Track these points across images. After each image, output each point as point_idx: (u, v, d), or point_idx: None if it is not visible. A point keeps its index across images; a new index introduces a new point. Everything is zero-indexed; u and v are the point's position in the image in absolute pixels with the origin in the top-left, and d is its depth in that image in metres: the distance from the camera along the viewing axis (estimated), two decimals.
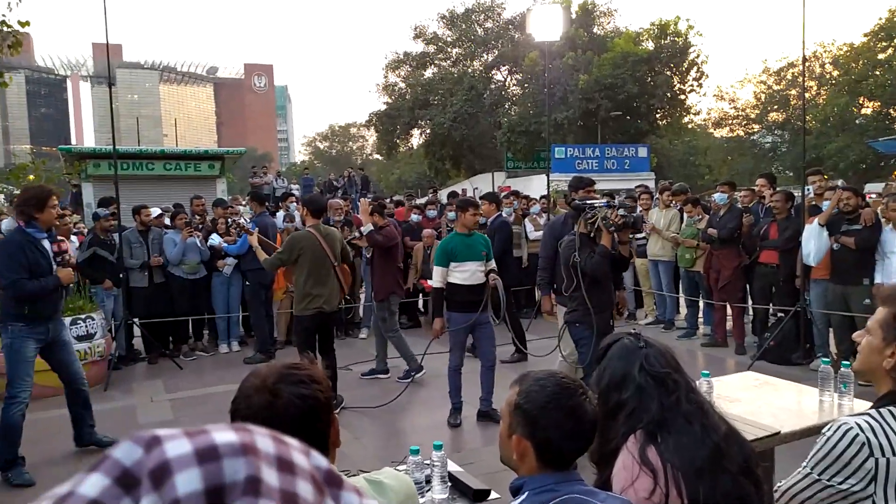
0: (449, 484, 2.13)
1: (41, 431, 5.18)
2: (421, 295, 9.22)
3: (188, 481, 0.40)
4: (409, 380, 6.04)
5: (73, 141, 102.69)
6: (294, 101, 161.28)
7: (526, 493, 1.45)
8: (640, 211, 7.80)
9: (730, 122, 30.45)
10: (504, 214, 8.73)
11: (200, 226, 7.89)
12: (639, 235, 7.24)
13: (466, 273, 4.95)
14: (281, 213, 10.28)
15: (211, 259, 7.56)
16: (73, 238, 7.42)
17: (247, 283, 7.50)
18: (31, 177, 6.67)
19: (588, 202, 4.34)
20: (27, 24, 6.98)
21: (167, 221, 7.91)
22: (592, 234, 4.22)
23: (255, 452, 0.43)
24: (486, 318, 5.08)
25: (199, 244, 7.44)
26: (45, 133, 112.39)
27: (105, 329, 6.59)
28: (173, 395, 6.13)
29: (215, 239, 7.47)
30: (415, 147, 37.00)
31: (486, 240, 5.23)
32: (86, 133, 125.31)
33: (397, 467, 2.26)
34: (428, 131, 31.93)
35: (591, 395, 1.53)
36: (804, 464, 1.70)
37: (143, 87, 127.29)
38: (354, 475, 2.02)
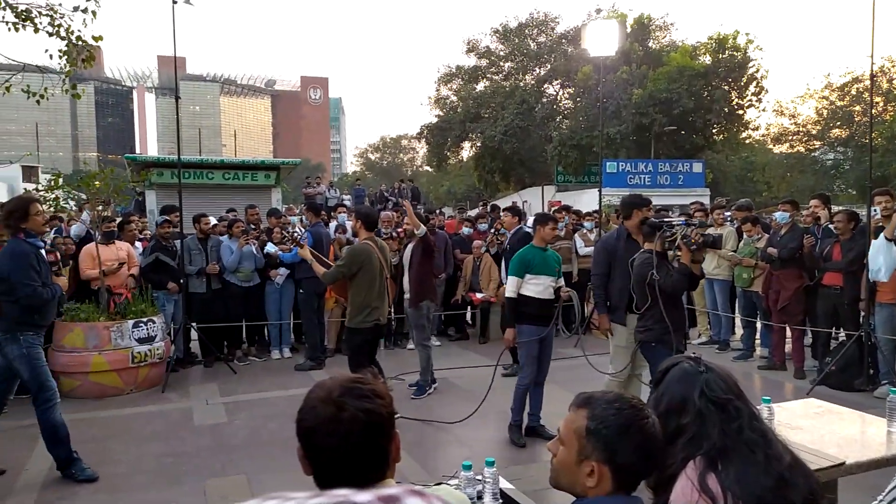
0: (500, 501, 2.12)
1: (100, 430, 5.39)
2: (469, 307, 9.23)
3: None
4: (424, 395, 6.16)
5: (138, 150, 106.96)
6: (347, 112, 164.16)
7: None
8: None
9: (790, 137, 29.47)
10: (527, 227, 8.74)
11: (257, 235, 8.09)
12: None
13: (540, 287, 4.92)
14: (333, 224, 10.47)
15: (265, 267, 7.75)
16: (138, 244, 7.73)
17: (300, 290, 7.65)
18: (98, 183, 6.95)
19: (665, 220, 4.42)
20: (100, 38, 7.33)
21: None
22: (666, 252, 4.25)
23: None
24: (552, 334, 5.08)
25: (254, 252, 7.65)
26: (111, 142, 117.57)
27: (165, 332, 6.82)
28: (227, 398, 6.28)
29: (271, 247, 7.66)
30: (465, 159, 37.15)
31: (559, 257, 5.26)
32: (149, 142, 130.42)
33: (448, 482, 2.26)
34: (478, 144, 32.02)
35: (654, 416, 1.51)
36: (880, 497, 1.63)
37: (204, 99, 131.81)
38: None
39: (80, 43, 7.21)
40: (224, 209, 9.99)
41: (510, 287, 4.96)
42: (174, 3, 7.23)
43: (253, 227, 8.29)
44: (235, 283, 7.64)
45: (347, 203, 16.88)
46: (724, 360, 7.35)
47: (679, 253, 4.27)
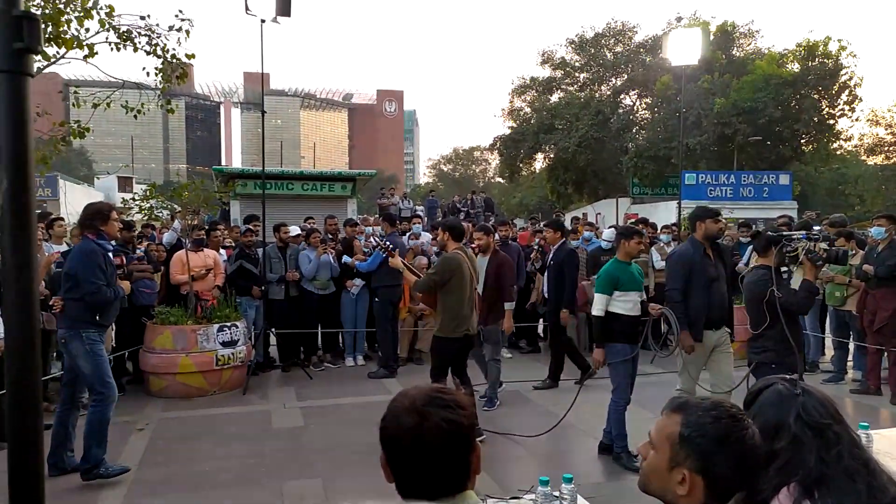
0: None
1: (188, 429, 5.65)
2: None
3: None
4: (495, 406, 6.15)
5: (223, 162, 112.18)
6: (421, 124, 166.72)
7: None
8: None
9: (886, 148, 27.73)
10: (604, 241, 8.62)
11: (334, 245, 8.29)
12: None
13: (630, 303, 4.78)
14: (407, 234, 10.62)
15: (341, 276, 7.95)
16: (223, 251, 8.09)
17: (376, 299, 7.78)
18: (186, 193, 7.33)
19: (784, 234, 4.22)
20: (193, 56, 7.77)
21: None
22: (779, 268, 4.09)
23: None
24: (637, 351, 4.90)
25: (331, 261, 7.86)
26: (199, 154, 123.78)
27: (246, 337, 7.09)
28: (304, 403, 6.46)
29: (348, 259, 7.86)
30: (537, 171, 36.90)
31: (642, 270, 5.15)
32: (234, 155, 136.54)
33: (525, 496, 2.25)
34: (552, 155, 31.74)
35: (754, 426, 1.43)
36: None
37: (285, 113, 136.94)
38: (483, 500, 2.03)
39: (174, 61, 7.67)
40: (303, 219, 10.31)
41: (598, 305, 4.78)
42: (262, 21, 7.57)
43: (331, 236, 8.52)
44: (312, 291, 7.86)
45: (420, 214, 17.10)
46: (813, 382, 6.91)
47: (793, 268, 4.13)
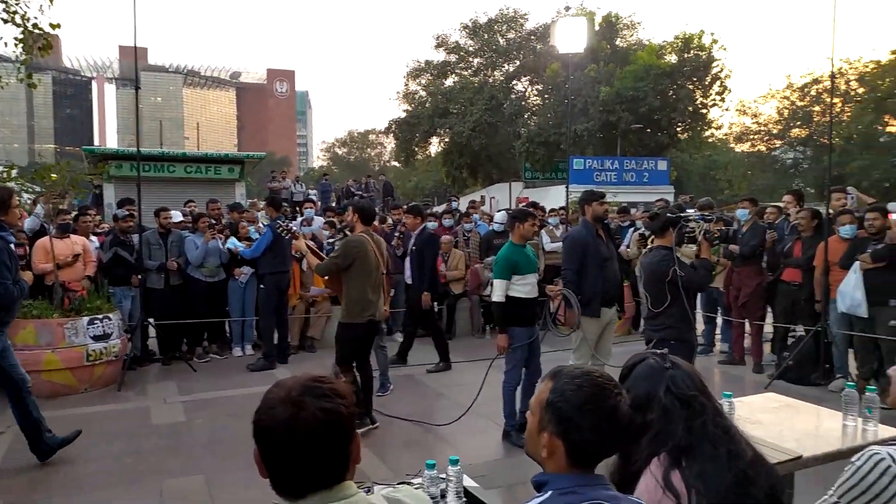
0: (464, 499, 2.10)
1: (55, 429, 5.21)
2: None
3: None
4: (388, 391, 6.15)
5: (96, 142, 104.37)
6: (314, 106, 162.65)
7: (549, 493, 1.41)
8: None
9: (751, 137, 30.17)
10: (429, 227, 8.67)
11: (220, 230, 7.92)
12: None
13: (528, 286, 4.78)
14: (299, 219, 10.33)
15: (229, 263, 7.61)
16: (94, 238, 7.50)
17: (261, 286, 7.50)
18: (54, 176, 6.73)
19: (681, 215, 4.33)
20: (58, 26, 7.09)
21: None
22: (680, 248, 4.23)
23: None
24: (537, 333, 4.99)
25: (220, 247, 7.51)
26: (69, 133, 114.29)
27: (121, 329, 6.63)
28: (186, 397, 6.14)
29: (233, 243, 7.51)
30: (433, 155, 37.10)
31: (534, 251, 5.21)
32: (108, 134, 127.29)
33: (412, 480, 2.23)
34: (447, 140, 32.01)
35: (625, 394, 1.47)
36: (831, 491, 1.66)
37: (166, 91, 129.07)
38: (369, 487, 1.99)
39: (36, 30, 6.97)
40: (183, 203, 9.76)
41: (498, 291, 4.73)
42: None
43: (214, 221, 8.11)
44: (200, 279, 7.47)
45: (313, 198, 16.70)
46: None
47: (691, 248, 4.26)
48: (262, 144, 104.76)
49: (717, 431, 1.61)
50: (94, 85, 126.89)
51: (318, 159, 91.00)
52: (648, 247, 4.51)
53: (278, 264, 7.19)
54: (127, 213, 7.38)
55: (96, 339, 6.20)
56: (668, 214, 4.46)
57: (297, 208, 12.51)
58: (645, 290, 4.38)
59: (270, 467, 1.23)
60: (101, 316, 6.28)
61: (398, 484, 2.27)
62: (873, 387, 3.04)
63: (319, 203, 16.31)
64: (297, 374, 1.30)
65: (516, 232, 4.87)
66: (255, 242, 7.35)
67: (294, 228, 6.00)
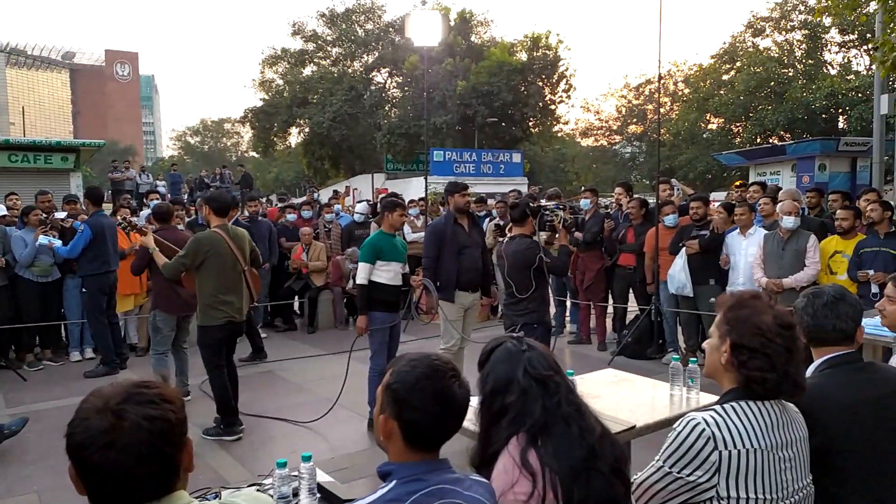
0: (318, 496, 2.08)
1: None
2: (297, 297, 8.99)
3: None
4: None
5: None
6: (162, 92, 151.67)
7: (394, 482, 1.43)
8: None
9: (595, 132, 32.36)
10: (327, 216, 9.05)
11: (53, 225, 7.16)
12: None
13: (391, 273, 4.89)
14: (144, 212, 9.63)
15: (65, 261, 6.89)
16: None
17: (83, 290, 6.85)
18: None
19: (542, 204, 4.79)
20: None
21: None
22: (537, 235, 4.57)
23: None
24: (398, 319, 5.10)
25: (53, 244, 6.76)
26: None
27: None
28: (14, 409, 5.54)
29: (44, 239, 6.72)
30: (293, 146, 36.06)
31: (405, 243, 5.29)
32: None
33: (263, 481, 2.18)
34: (307, 130, 31.25)
35: (463, 378, 1.52)
36: (657, 457, 1.78)
37: None
38: (216, 494, 1.93)
39: None
40: (4, 195, 8.73)
41: (361, 274, 4.85)
42: None
43: (45, 215, 7.33)
44: (31, 279, 6.73)
45: (161, 189, 15.64)
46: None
47: (544, 235, 4.62)
48: (101, 131, 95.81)
49: (570, 409, 1.67)
50: None
51: (167, 148, 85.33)
52: (509, 235, 4.80)
53: (100, 265, 6.57)
54: None
55: None
56: (532, 205, 4.78)
57: (143, 200, 11.66)
58: (508, 277, 4.55)
59: (88, 484, 1.14)
60: None
61: (248, 486, 2.22)
62: (695, 359, 3.39)
63: (168, 195, 15.30)
64: (118, 381, 1.21)
65: (385, 221, 5.00)
66: (74, 239, 6.66)
67: (137, 222, 5.54)
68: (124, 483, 1.12)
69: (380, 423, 1.48)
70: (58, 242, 6.75)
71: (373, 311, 4.87)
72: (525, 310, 4.50)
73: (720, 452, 1.68)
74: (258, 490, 1.98)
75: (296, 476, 2.09)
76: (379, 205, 9.61)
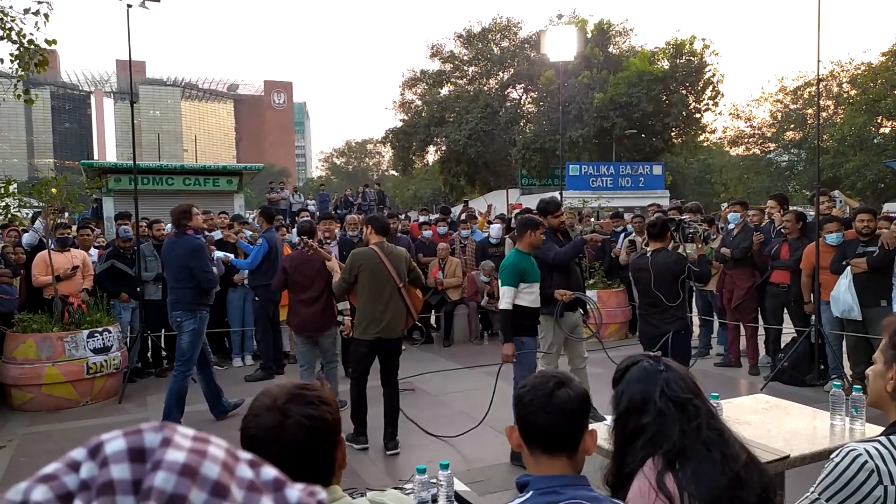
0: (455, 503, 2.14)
1: (55, 443, 5.26)
2: (433, 311, 9.24)
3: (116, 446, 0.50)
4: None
5: (96, 156, 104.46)
6: (312, 117, 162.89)
7: (531, 493, 1.45)
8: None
9: (746, 140, 30.24)
10: (464, 232, 9.21)
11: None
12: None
13: (533, 295, 4.69)
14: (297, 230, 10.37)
15: (228, 274, 7.63)
16: (93, 251, 7.55)
17: (255, 298, 7.51)
18: (54, 190, 6.78)
19: (680, 218, 5.07)
20: (54, 42, 7.15)
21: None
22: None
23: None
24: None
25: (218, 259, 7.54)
26: (68, 148, 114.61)
27: (121, 342, 6.67)
28: (186, 408, 6.15)
29: (220, 253, 7.47)
30: (430, 163, 37.21)
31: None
32: (108, 148, 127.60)
33: (404, 486, 2.28)
34: (443, 148, 32.13)
35: (573, 382, 1.61)
36: (812, 489, 1.66)
37: (165, 104, 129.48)
38: (362, 494, 2.04)
39: (32, 47, 7.03)
40: None
41: (506, 298, 4.58)
42: (129, 6, 7.11)
43: (208, 233, 8.13)
44: None
45: (311, 208, 16.77)
46: None
47: (682, 245, 4.80)
48: (260, 156, 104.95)
49: (711, 434, 1.61)
50: (93, 99, 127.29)
51: (316, 169, 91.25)
52: (647, 249, 4.81)
53: (272, 276, 7.19)
54: (130, 235, 7.40)
55: (96, 351, 6.25)
56: (667, 219, 4.86)
57: (296, 218, 12.57)
58: (655, 288, 4.64)
59: None
60: (100, 329, 6.33)
61: (391, 489, 2.33)
62: (859, 386, 3.09)
63: (318, 213, 16.37)
64: (283, 383, 1.34)
65: (525, 240, 4.74)
66: (251, 254, 7.37)
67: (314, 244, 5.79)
68: (289, 474, 1.23)
69: (509, 433, 1.62)
70: (231, 257, 7.50)
71: (519, 337, 4.65)
72: (673, 317, 4.63)
73: (885, 487, 1.53)
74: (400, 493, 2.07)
75: (434, 483, 2.16)
76: (513, 220, 9.67)
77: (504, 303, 4.63)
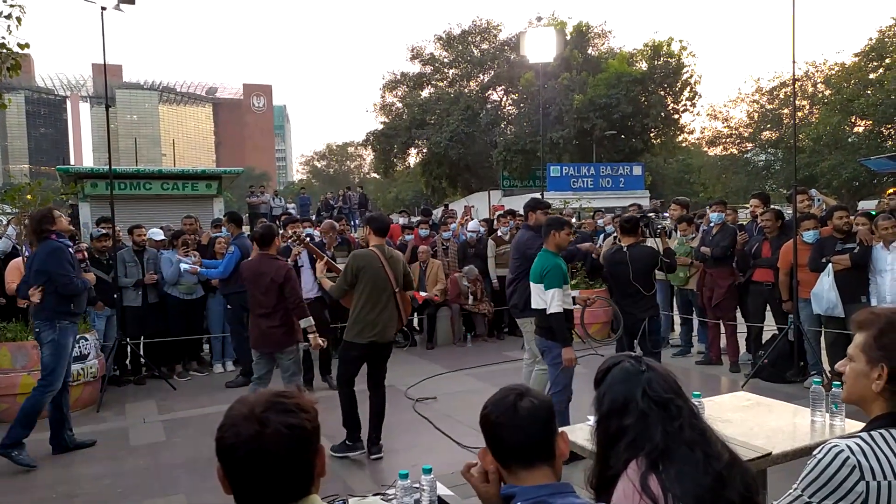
0: None
1: (31, 453, 5.14)
2: (416, 314, 9.20)
3: None
4: None
5: (72, 161, 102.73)
6: (292, 120, 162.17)
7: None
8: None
9: (723, 140, 30.61)
10: (469, 231, 9.27)
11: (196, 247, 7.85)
12: None
13: (570, 297, 4.61)
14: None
15: (208, 280, 7.53)
16: None
17: (227, 305, 7.39)
18: (29, 196, 6.66)
19: (646, 214, 5.58)
20: (27, 46, 7.02)
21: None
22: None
23: None
24: None
25: (180, 264, 7.41)
26: (43, 153, 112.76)
27: (98, 349, 6.56)
28: (166, 416, 6.09)
29: (185, 265, 7.30)
30: (412, 166, 37.19)
31: None
32: (84, 153, 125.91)
33: (386, 491, 2.25)
34: (425, 150, 32.15)
35: (532, 393, 1.61)
36: (795, 486, 1.66)
37: (142, 108, 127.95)
38: (343, 501, 2.02)
39: (4, 50, 6.89)
40: (163, 220, 9.69)
41: (557, 301, 4.40)
42: (103, 9, 7.01)
43: (190, 237, 8.02)
44: (177, 297, 7.42)
45: (292, 212, 16.67)
46: (663, 357, 7.52)
47: (655, 240, 5.48)
48: (240, 159, 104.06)
49: (693, 434, 1.60)
50: (69, 104, 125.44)
51: (297, 173, 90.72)
52: (625, 244, 5.22)
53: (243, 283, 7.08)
54: (103, 231, 7.30)
55: (73, 360, 6.11)
56: (638, 216, 5.54)
57: (276, 222, 12.47)
58: (634, 280, 5.05)
59: (234, 484, 1.24)
60: (77, 337, 6.20)
61: (373, 495, 2.30)
62: (838, 382, 3.11)
63: (298, 216, 16.27)
64: (260, 391, 1.31)
65: (551, 240, 4.61)
66: (222, 261, 7.25)
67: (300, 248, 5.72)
68: (266, 485, 1.22)
69: (481, 456, 1.60)
70: (197, 267, 7.36)
71: (554, 341, 4.52)
72: (649, 305, 5.10)
73: (867, 483, 1.54)
74: (382, 500, 2.05)
75: (416, 488, 2.14)
76: (495, 222, 9.68)
77: (555, 306, 4.43)
